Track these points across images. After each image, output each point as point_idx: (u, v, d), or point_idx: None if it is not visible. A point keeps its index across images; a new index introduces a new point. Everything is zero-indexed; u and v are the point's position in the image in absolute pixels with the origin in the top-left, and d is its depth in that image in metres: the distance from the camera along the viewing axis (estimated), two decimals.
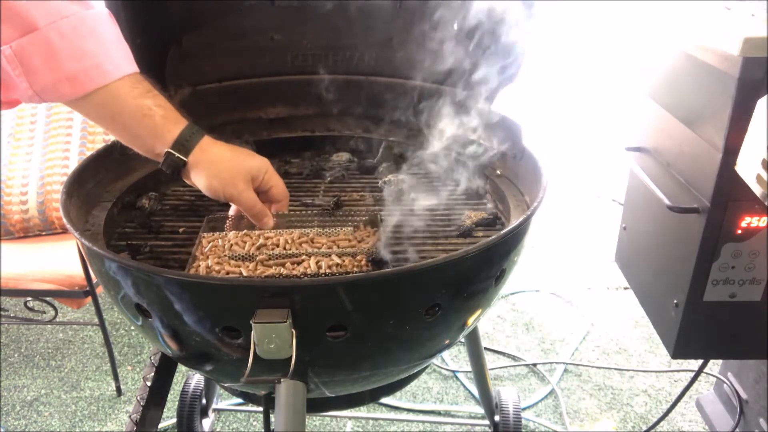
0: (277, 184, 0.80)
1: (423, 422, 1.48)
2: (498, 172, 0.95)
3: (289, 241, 0.79)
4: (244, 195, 0.76)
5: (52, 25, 0.61)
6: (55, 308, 1.47)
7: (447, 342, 0.81)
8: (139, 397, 0.94)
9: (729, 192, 0.82)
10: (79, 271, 1.38)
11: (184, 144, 0.71)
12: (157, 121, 0.70)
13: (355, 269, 0.74)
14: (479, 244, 0.67)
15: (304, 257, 0.76)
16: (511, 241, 0.73)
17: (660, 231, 1.01)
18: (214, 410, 1.45)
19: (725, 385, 1.25)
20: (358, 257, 0.76)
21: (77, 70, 0.63)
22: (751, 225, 0.84)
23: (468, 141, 1.01)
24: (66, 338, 1.79)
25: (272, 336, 0.60)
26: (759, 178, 0.65)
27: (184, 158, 0.72)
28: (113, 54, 0.66)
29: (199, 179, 0.74)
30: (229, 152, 0.75)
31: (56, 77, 0.63)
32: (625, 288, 1.97)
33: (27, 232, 1.58)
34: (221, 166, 0.74)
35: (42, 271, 1.40)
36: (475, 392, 1.53)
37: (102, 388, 1.60)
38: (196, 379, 1.32)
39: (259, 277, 0.72)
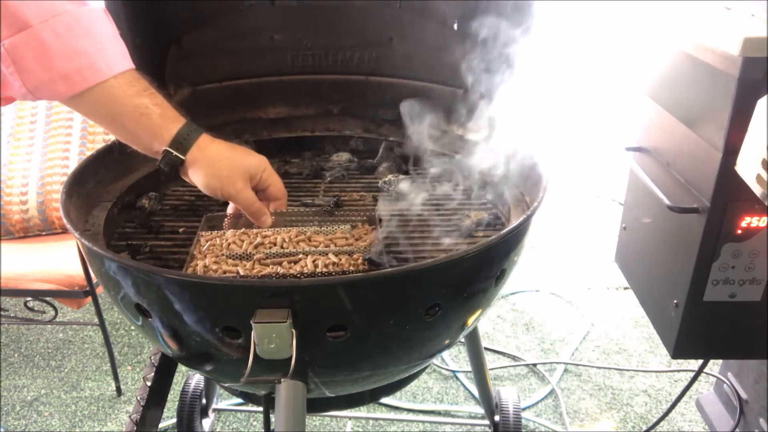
0: (275, 183, 0.80)
1: (423, 422, 1.48)
2: (498, 172, 0.95)
3: (287, 240, 0.79)
4: (242, 193, 0.76)
5: (45, 23, 0.61)
6: (55, 308, 1.47)
7: (447, 342, 0.81)
8: (139, 397, 0.94)
9: (729, 192, 0.82)
10: (79, 271, 1.38)
11: (182, 142, 0.71)
12: (154, 120, 0.70)
13: (351, 268, 0.74)
14: (479, 244, 0.67)
15: (301, 256, 0.76)
16: (511, 241, 0.73)
17: (660, 231, 1.01)
18: (214, 410, 1.45)
19: (725, 385, 1.25)
20: (355, 256, 0.76)
21: (70, 69, 0.63)
22: (751, 225, 0.84)
23: (467, 141, 1.01)
24: (66, 338, 1.79)
25: (272, 336, 0.60)
26: (759, 178, 0.65)
27: (182, 156, 0.72)
28: (107, 52, 0.66)
29: (197, 177, 0.74)
30: (227, 150, 0.75)
31: (49, 76, 0.63)
32: (625, 288, 1.97)
33: (27, 232, 1.58)
34: (219, 164, 0.74)
35: (42, 271, 1.40)
36: (475, 392, 1.53)
37: (102, 388, 1.59)
38: (196, 379, 1.32)
39: (259, 277, 0.72)
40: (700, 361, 1.12)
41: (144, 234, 0.87)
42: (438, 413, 1.51)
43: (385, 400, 1.52)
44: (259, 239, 0.79)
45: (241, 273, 0.73)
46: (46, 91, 0.64)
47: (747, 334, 0.94)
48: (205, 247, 0.78)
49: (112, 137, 0.91)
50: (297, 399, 0.67)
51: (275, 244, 0.78)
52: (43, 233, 1.59)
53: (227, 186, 0.74)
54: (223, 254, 0.76)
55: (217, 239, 0.79)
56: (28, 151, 1.59)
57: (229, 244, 0.78)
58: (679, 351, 0.96)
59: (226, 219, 0.85)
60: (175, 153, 0.71)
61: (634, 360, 1.69)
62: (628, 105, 1.16)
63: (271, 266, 0.74)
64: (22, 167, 1.57)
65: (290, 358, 0.61)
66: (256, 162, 0.77)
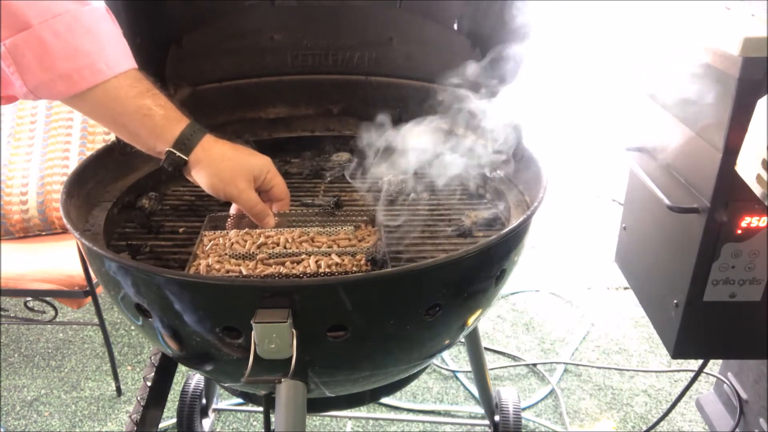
0: (278, 184, 0.80)
1: (423, 422, 1.48)
2: (498, 172, 0.95)
3: (290, 240, 0.79)
4: (245, 194, 0.76)
5: (46, 23, 0.61)
6: (55, 308, 1.47)
7: (447, 342, 0.81)
8: (139, 397, 0.94)
9: (729, 192, 0.82)
10: (79, 271, 1.38)
11: (185, 143, 0.71)
12: (157, 121, 0.70)
13: (354, 269, 0.74)
14: (479, 244, 0.67)
15: (303, 256, 0.76)
16: (511, 241, 0.73)
17: (660, 231, 1.01)
18: (214, 410, 1.45)
19: (725, 385, 1.25)
20: (358, 256, 0.76)
21: (70, 69, 0.63)
22: (751, 225, 0.84)
23: (467, 141, 1.01)
24: (66, 338, 1.79)
25: (272, 336, 0.60)
26: (759, 178, 0.65)
27: (185, 157, 0.72)
28: (108, 52, 0.66)
29: (200, 178, 0.74)
30: (230, 151, 0.75)
31: (49, 76, 0.63)
32: (625, 288, 1.97)
33: (27, 232, 1.57)
34: (222, 165, 0.74)
35: (42, 271, 1.40)
36: (475, 392, 1.53)
37: (102, 388, 1.59)
38: (196, 379, 1.32)
39: (260, 277, 0.72)
40: (700, 361, 1.12)
41: (144, 234, 0.87)
42: (438, 413, 1.51)
43: (385, 400, 1.52)
44: (262, 239, 0.79)
45: (244, 273, 0.73)
46: (47, 91, 0.64)
47: (747, 334, 0.94)
48: (208, 247, 0.78)
49: (112, 137, 0.91)
50: (297, 399, 0.67)
51: (278, 245, 0.78)
52: (43, 233, 1.59)
53: (230, 187, 0.74)
54: (226, 254, 0.76)
55: (220, 239, 0.79)
56: (28, 151, 1.59)
57: (232, 243, 0.78)
58: (679, 351, 0.96)
59: (228, 219, 0.85)
60: (178, 153, 0.71)
61: (634, 360, 1.69)
62: (628, 105, 1.16)
63: (273, 266, 0.74)
64: (22, 167, 1.57)
65: (290, 358, 0.61)
66: (260, 163, 0.77)
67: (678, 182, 0.93)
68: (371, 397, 0.92)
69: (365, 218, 0.86)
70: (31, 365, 1.68)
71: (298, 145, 1.13)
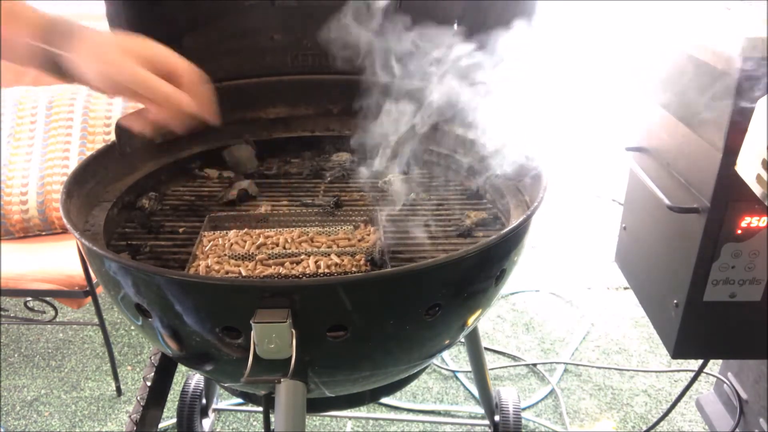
0: (178, 61, 0.68)
1: (423, 422, 1.48)
2: (498, 172, 0.95)
3: (289, 240, 0.79)
4: (143, 74, 0.64)
5: None
6: (55, 308, 1.47)
7: (447, 342, 0.81)
8: (139, 397, 0.94)
9: (729, 192, 0.82)
10: (79, 271, 1.38)
11: (54, 34, 0.63)
12: (13, 27, 0.62)
13: (353, 269, 0.74)
14: (479, 244, 0.67)
15: (303, 257, 0.76)
16: (511, 241, 0.73)
17: (660, 231, 1.01)
18: (214, 410, 1.45)
19: (725, 385, 1.25)
20: (357, 257, 0.76)
21: None
22: (751, 225, 0.84)
23: (467, 140, 1.01)
24: (66, 338, 1.79)
25: (272, 336, 0.60)
26: (759, 178, 0.65)
27: (59, 50, 0.63)
28: None
29: (87, 67, 0.64)
30: (110, 35, 0.68)
31: None
32: (625, 288, 1.97)
33: (27, 232, 1.58)
34: (106, 46, 0.65)
35: (42, 271, 1.40)
36: (475, 392, 1.53)
37: (102, 388, 1.60)
38: (196, 379, 1.32)
39: (260, 277, 0.72)
40: (700, 361, 1.12)
41: (144, 234, 0.87)
42: (438, 413, 1.51)
43: (385, 400, 1.52)
44: (261, 240, 0.79)
45: (244, 273, 0.73)
46: None
47: (747, 334, 0.94)
48: (207, 247, 0.78)
49: (112, 137, 0.91)
50: (297, 399, 0.67)
51: (278, 245, 0.78)
52: (43, 233, 1.59)
53: (122, 70, 0.63)
54: (225, 254, 0.76)
55: (220, 239, 0.80)
56: (28, 151, 1.59)
57: (232, 244, 0.78)
58: (679, 351, 0.96)
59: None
60: (50, 48, 0.63)
61: (634, 360, 1.69)
62: (628, 105, 1.16)
63: (273, 267, 0.74)
64: (22, 167, 1.57)
65: (290, 358, 0.61)
66: (144, 42, 0.67)
67: (678, 182, 0.93)
68: (371, 397, 0.92)
69: (365, 218, 0.86)
70: (31, 365, 1.68)
71: (298, 145, 1.13)
